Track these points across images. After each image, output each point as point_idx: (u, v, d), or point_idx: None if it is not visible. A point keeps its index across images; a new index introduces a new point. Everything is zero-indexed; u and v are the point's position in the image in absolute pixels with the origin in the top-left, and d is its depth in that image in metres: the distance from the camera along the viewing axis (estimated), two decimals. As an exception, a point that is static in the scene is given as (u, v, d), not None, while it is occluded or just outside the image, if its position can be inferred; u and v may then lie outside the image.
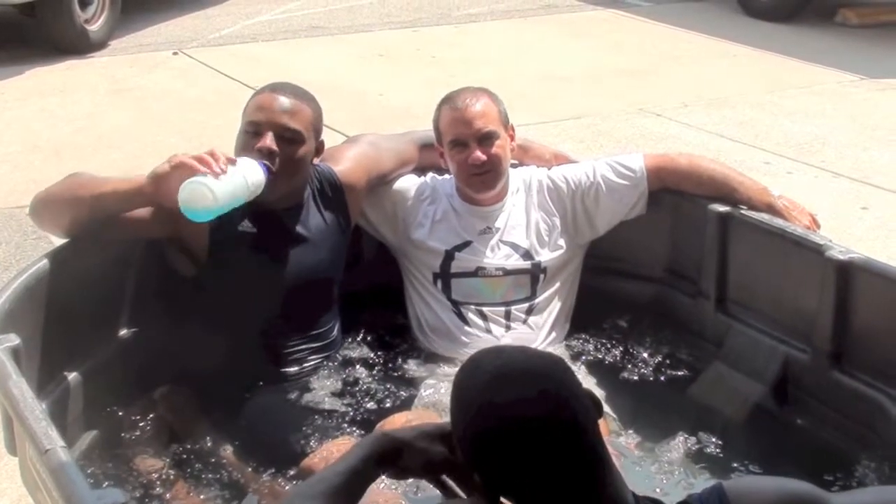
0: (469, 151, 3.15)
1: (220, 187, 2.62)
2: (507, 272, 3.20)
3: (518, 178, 3.31)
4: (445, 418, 2.90)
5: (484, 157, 3.14)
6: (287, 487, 2.69)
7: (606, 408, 2.76)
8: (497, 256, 3.21)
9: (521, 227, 3.25)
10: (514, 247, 3.22)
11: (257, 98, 2.94)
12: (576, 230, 3.29)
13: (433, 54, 8.56)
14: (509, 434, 1.66)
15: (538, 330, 3.17)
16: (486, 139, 3.15)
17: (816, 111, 7.16)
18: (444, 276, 3.20)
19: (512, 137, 3.26)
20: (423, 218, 3.25)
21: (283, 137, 2.87)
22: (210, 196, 2.61)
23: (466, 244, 3.22)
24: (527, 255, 3.22)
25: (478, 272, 3.19)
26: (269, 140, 2.85)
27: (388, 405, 2.99)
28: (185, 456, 2.80)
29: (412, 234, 3.25)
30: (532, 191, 3.29)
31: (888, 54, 8.49)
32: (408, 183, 3.29)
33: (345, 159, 3.13)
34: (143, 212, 2.80)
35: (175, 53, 8.51)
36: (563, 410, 1.67)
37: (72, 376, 2.75)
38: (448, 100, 3.22)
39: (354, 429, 2.88)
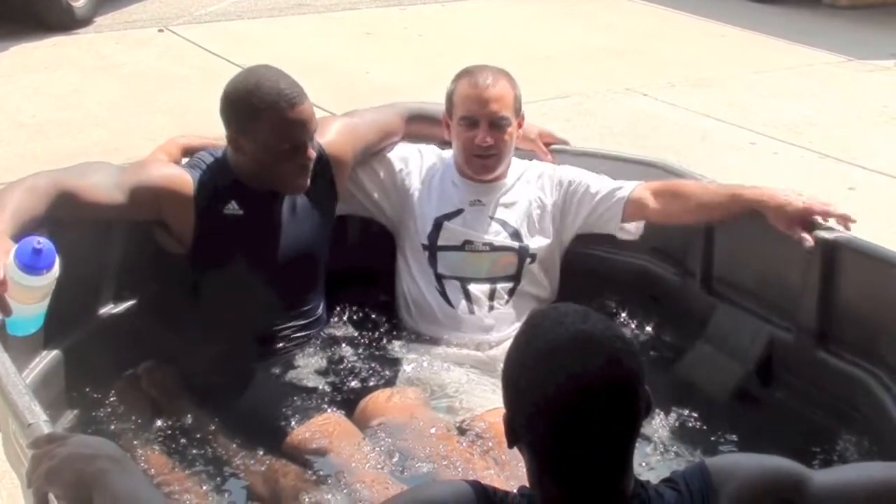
0: (477, 131, 3.14)
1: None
2: (494, 248, 3.20)
3: (520, 169, 3.31)
4: (427, 394, 2.96)
5: (491, 142, 3.14)
6: (267, 464, 2.70)
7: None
8: (485, 230, 3.20)
9: (513, 209, 3.24)
10: (504, 224, 3.22)
11: (293, 112, 2.84)
12: (562, 225, 3.28)
13: (420, 33, 8.54)
14: (576, 393, 1.64)
15: (521, 312, 3.16)
16: (496, 124, 3.15)
17: (804, 92, 7.16)
18: (432, 248, 3.20)
19: (520, 125, 3.26)
20: (419, 184, 3.25)
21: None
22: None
23: (458, 212, 3.21)
24: (516, 235, 3.21)
25: (464, 246, 3.19)
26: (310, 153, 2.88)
27: (371, 383, 2.99)
28: (168, 432, 2.80)
29: (406, 201, 3.24)
30: (531, 182, 3.28)
31: (876, 36, 8.50)
32: (404, 152, 3.30)
33: (330, 132, 3.11)
34: (124, 197, 2.77)
35: (161, 31, 8.47)
36: (631, 395, 1.68)
37: (55, 352, 2.74)
38: (468, 73, 3.20)
39: (337, 407, 2.88)
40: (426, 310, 3.18)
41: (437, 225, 3.20)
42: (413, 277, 3.22)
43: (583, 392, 1.64)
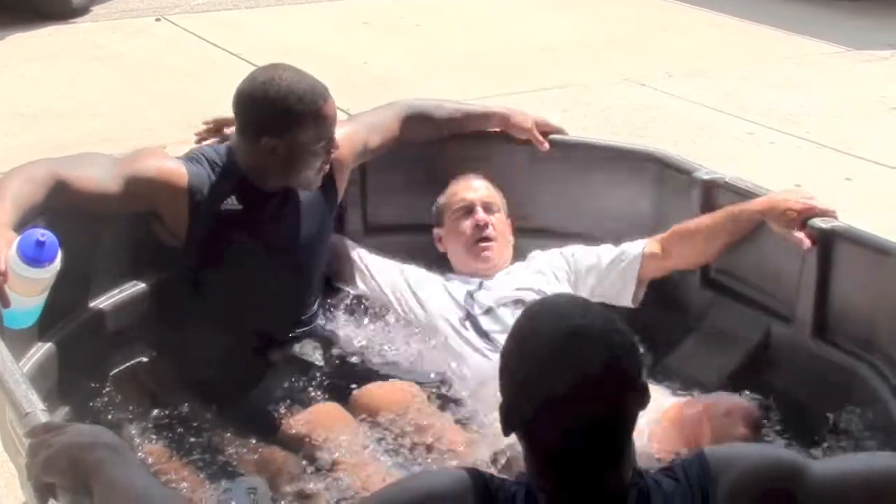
0: (475, 214, 3.21)
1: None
2: (525, 303, 3.04)
3: (518, 263, 3.29)
4: (422, 389, 2.95)
5: (489, 220, 3.20)
6: (261, 452, 2.71)
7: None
8: (512, 292, 3.14)
9: (528, 276, 3.21)
10: (528, 290, 3.14)
11: (328, 110, 2.87)
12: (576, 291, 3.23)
13: (417, 22, 8.52)
14: (573, 388, 1.66)
15: None
16: (489, 207, 3.24)
17: (801, 82, 7.16)
18: (470, 317, 3.10)
19: (511, 229, 3.30)
20: (425, 290, 3.18)
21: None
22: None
23: (480, 286, 3.16)
24: (542, 293, 3.10)
25: (499, 307, 3.10)
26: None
27: (367, 376, 2.99)
28: (165, 421, 2.79)
29: (422, 298, 3.16)
30: (541, 265, 3.25)
31: (873, 26, 8.49)
32: (397, 272, 3.24)
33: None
34: (117, 189, 2.77)
35: (158, 20, 8.45)
36: (628, 389, 1.70)
37: (53, 341, 2.73)
38: (453, 180, 3.31)
39: (334, 398, 2.88)
40: (471, 361, 3.03)
41: (469, 294, 3.13)
42: (454, 353, 3.06)
43: (580, 388, 1.66)
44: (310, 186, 2.96)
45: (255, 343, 2.97)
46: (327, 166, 2.94)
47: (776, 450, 1.84)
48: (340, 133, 3.06)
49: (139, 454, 2.62)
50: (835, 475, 1.80)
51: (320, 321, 3.13)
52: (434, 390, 2.96)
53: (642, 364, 1.74)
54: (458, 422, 2.86)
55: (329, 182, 3.05)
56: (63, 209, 2.70)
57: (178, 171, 2.85)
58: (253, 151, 2.87)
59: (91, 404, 2.81)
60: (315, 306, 3.11)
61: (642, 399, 1.73)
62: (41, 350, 2.70)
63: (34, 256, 2.40)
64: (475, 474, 1.76)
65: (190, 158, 2.91)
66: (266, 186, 2.92)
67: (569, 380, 1.65)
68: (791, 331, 2.99)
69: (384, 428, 2.77)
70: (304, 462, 2.67)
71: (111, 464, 1.77)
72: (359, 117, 3.27)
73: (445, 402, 2.94)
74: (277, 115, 2.82)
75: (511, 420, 1.73)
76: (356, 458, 2.65)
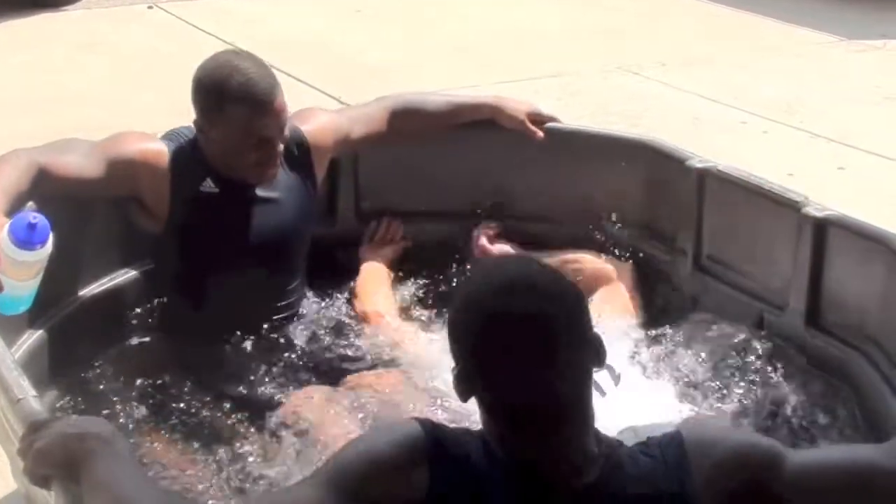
0: None
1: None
2: None
3: None
4: (411, 380, 2.93)
5: None
6: (242, 428, 2.71)
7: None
8: None
9: None
10: None
11: (264, 108, 2.79)
12: None
13: (411, 11, 8.49)
14: (501, 331, 1.62)
15: None
16: None
17: (795, 72, 7.15)
18: None
19: None
20: None
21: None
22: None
23: None
24: None
25: None
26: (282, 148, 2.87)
27: (356, 360, 3.00)
28: (154, 405, 2.79)
29: None
30: None
31: (867, 15, 8.48)
32: None
33: (314, 121, 3.12)
34: (99, 172, 2.78)
35: (150, 7, 8.42)
36: (566, 334, 1.64)
37: (43, 327, 2.74)
38: None
39: (314, 381, 2.89)
40: None
41: None
42: None
43: (521, 336, 1.62)
44: (257, 180, 2.92)
45: (236, 326, 2.96)
46: (269, 167, 2.88)
47: (755, 437, 1.80)
48: (320, 122, 3.09)
49: (126, 428, 2.62)
50: (813, 466, 1.77)
51: (303, 306, 3.12)
52: (421, 381, 2.96)
53: (586, 315, 1.68)
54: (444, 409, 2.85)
55: (307, 167, 3.05)
56: (48, 196, 2.70)
57: (159, 151, 2.86)
58: (198, 133, 2.88)
59: (82, 391, 2.80)
60: (297, 291, 3.11)
61: (595, 353, 1.68)
62: (33, 337, 2.70)
63: (26, 239, 2.40)
64: (428, 427, 1.69)
65: (170, 137, 2.93)
66: (223, 174, 2.91)
67: (494, 317, 1.62)
68: (783, 318, 3.00)
69: (367, 403, 2.75)
70: (283, 442, 2.65)
71: (100, 456, 1.74)
72: (344, 110, 3.28)
73: (432, 391, 2.93)
74: (207, 98, 2.83)
75: (462, 382, 1.69)
76: (328, 428, 2.64)
